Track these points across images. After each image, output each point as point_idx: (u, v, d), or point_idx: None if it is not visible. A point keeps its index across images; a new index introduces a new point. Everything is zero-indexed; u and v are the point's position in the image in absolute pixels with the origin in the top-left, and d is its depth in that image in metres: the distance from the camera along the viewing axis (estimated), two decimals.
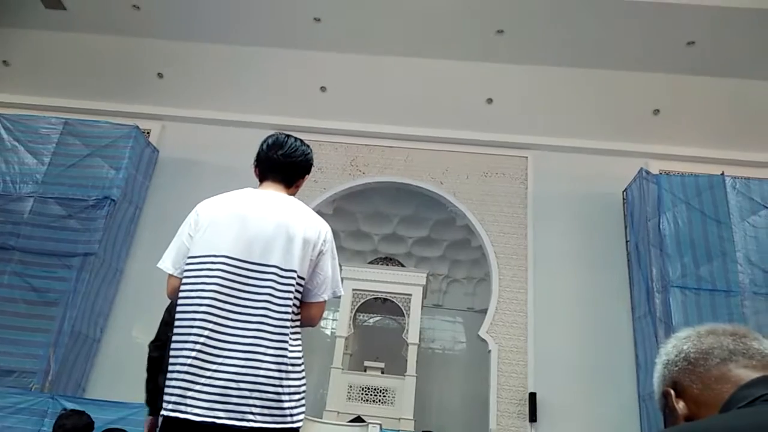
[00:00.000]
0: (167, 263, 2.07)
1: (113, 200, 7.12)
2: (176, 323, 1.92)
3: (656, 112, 7.96)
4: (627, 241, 7.53)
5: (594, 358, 7.02)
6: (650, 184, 7.06)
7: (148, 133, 8.31)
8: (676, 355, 1.13)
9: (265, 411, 1.83)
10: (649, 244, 6.83)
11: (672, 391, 1.09)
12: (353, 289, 8.04)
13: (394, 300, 8.14)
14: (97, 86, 8.55)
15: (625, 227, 7.62)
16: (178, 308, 1.94)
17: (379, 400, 7.43)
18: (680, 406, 1.06)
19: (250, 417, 1.81)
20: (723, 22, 7.16)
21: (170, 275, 2.06)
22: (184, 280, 1.97)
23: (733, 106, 7.85)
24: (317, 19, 7.80)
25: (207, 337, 1.86)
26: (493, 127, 8.23)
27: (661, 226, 6.70)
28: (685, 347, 1.13)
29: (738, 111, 7.87)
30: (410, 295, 8.02)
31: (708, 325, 1.17)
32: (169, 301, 2.35)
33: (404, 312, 7.99)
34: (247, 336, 1.87)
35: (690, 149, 7.93)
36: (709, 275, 6.45)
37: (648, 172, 7.27)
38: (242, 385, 1.82)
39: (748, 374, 1.01)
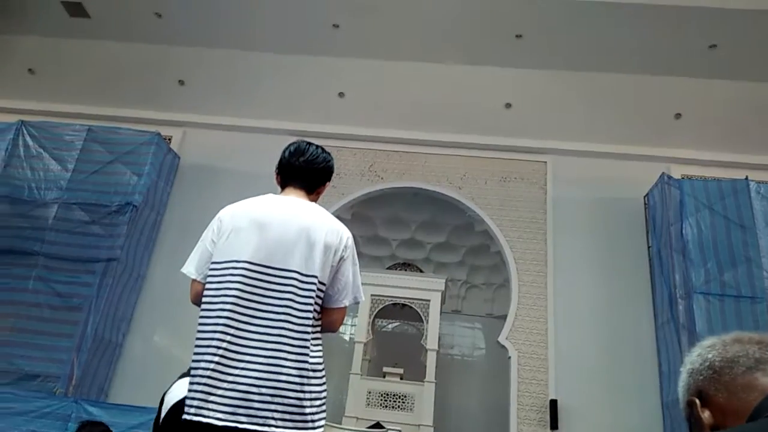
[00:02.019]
0: (191, 268, 2.10)
1: (135, 206, 7.22)
2: (199, 327, 1.95)
3: (678, 116, 7.86)
4: (649, 247, 7.43)
5: (616, 365, 6.94)
6: (672, 189, 6.97)
7: (169, 139, 8.41)
8: (701, 364, 1.12)
9: (287, 417, 1.84)
10: (672, 249, 6.74)
11: (697, 401, 1.08)
12: (372, 295, 8.04)
13: (413, 306, 8.13)
14: (120, 93, 8.69)
15: (647, 232, 7.53)
16: (201, 313, 1.97)
17: (399, 407, 7.41)
18: (706, 415, 1.05)
19: (272, 423, 1.82)
20: (745, 25, 7.06)
21: (193, 280, 2.09)
22: (207, 285, 2.00)
23: (757, 109, 7.72)
24: (336, 26, 7.86)
25: (229, 342, 1.88)
26: (512, 131, 8.20)
27: (683, 232, 6.60)
28: (710, 356, 1.12)
29: (761, 115, 7.73)
30: (429, 300, 8.00)
31: (733, 334, 1.16)
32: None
33: (423, 318, 7.97)
34: (269, 341, 1.89)
35: (712, 154, 7.81)
36: (734, 281, 6.33)
37: (670, 177, 7.17)
38: (264, 390, 1.83)
39: None
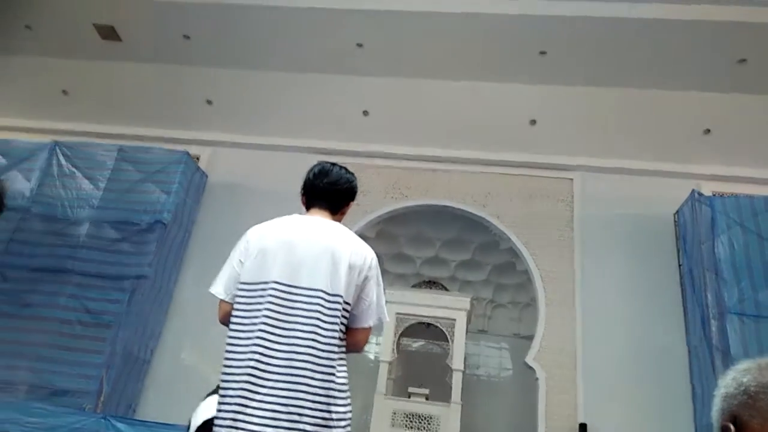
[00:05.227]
0: (219, 288, 2.13)
1: (164, 224, 7.34)
2: (229, 348, 1.97)
3: (707, 131, 7.73)
4: (680, 266, 7.27)
5: (647, 387, 6.76)
6: (703, 206, 6.82)
7: (197, 158, 8.56)
8: (736, 388, 1.09)
9: None
10: (704, 268, 6.57)
11: (731, 426, 1.05)
12: (396, 313, 8.00)
13: (438, 325, 8.06)
14: (150, 113, 8.90)
15: (678, 251, 7.37)
16: (231, 334, 2.00)
17: (424, 428, 7.32)
18: None
19: None
20: None
21: (222, 300, 2.12)
22: (237, 306, 2.03)
23: None
24: (360, 45, 7.94)
25: (258, 361, 1.90)
26: (537, 148, 8.14)
27: (715, 250, 6.44)
28: (744, 380, 1.09)
29: None
30: (454, 319, 7.91)
31: None
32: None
33: (448, 337, 7.88)
34: (297, 359, 1.90)
35: (743, 170, 7.64)
36: None
37: (700, 194, 7.03)
38: (291, 409, 1.85)
39: None
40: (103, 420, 5.90)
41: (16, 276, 7.08)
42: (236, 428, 1.83)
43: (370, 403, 7.50)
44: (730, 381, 1.11)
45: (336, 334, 1.97)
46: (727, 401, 1.10)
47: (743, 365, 1.12)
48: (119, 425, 5.77)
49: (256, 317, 1.95)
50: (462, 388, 7.44)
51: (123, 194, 7.49)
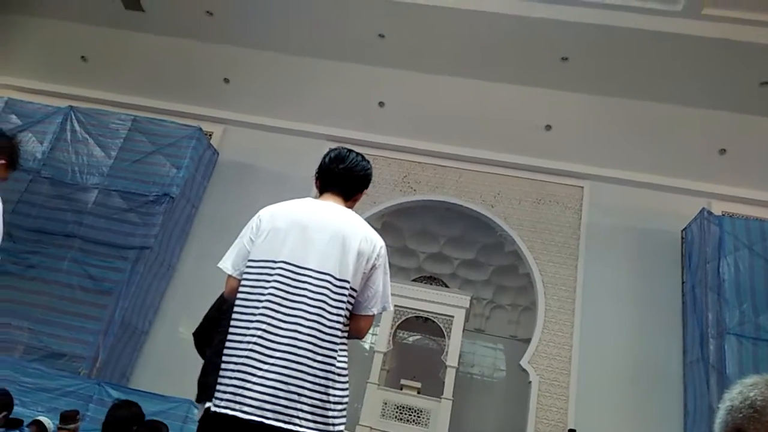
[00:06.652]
0: (227, 264, 2.14)
1: (172, 197, 7.36)
2: (233, 323, 1.98)
3: (722, 151, 7.69)
4: (683, 283, 7.26)
5: (639, 400, 6.77)
6: (712, 226, 6.80)
7: (210, 135, 8.57)
8: (742, 402, 1.09)
9: (310, 417, 1.86)
10: (707, 287, 6.56)
11: None
12: (395, 306, 7.99)
13: (436, 320, 8.07)
14: (166, 86, 8.90)
15: (682, 268, 7.35)
16: (236, 308, 2.00)
17: (414, 420, 7.35)
18: None
19: (296, 421, 1.84)
20: None
21: (229, 276, 2.13)
22: (244, 282, 2.03)
23: None
24: (382, 36, 7.92)
25: (260, 337, 1.90)
26: (550, 154, 8.12)
27: (720, 270, 6.43)
28: (751, 394, 1.09)
29: None
30: (452, 317, 7.93)
31: None
32: (214, 300, 2.41)
33: (445, 333, 7.90)
34: (300, 339, 1.90)
35: (756, 192, 7.61)
36: None
37: (710, 213, 7.00)
38: (291, 388, 1.85)
39: None
40: (97, 386, 5.95)
41: (22, 237, 7.12)
42: (235, 402, 1.84)
43: (362, 392, 7.52)
44: (736, 394, 1.11)
45: (341, 319, 1.97)
46: (731, 414, 1.09)
47: (750, 380, 1.12)
48: (112, 392, 5.82)
49: (262, 294, 1.96)
50: (454, 385, 7.47)
51: (133, 164, 7.51)
